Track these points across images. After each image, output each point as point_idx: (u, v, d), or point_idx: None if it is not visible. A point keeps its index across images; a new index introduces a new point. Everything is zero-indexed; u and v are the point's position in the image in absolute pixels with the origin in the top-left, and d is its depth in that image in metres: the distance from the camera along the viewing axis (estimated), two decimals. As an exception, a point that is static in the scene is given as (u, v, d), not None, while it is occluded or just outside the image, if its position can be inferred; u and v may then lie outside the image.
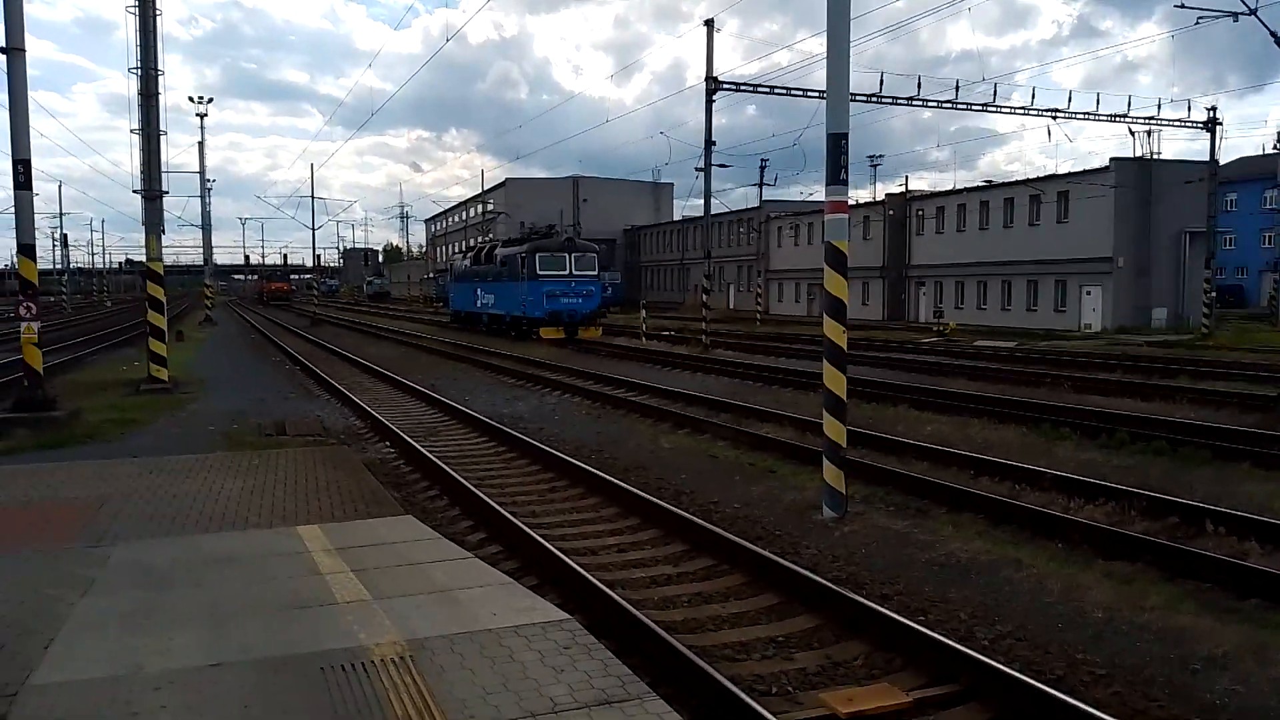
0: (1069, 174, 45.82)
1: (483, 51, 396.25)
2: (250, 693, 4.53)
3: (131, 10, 19.65)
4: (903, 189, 60.21)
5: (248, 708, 4.37)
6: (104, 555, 7.07)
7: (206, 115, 54.38)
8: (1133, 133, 38.12)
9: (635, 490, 9.87)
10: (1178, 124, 38.35)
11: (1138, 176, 42.55)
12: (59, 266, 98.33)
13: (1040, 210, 46.55)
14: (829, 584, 6.80)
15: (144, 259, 20.68)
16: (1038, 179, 47.68)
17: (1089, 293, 43.93)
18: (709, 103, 31.06)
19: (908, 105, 33.68)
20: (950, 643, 5.69)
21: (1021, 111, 35.65)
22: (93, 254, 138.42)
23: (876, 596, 6.82)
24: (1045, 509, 9.14)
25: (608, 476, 10.57)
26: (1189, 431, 13.17)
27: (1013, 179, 50.61)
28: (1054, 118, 35.21)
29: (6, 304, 71.98)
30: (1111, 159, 43.59)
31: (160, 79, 20.03)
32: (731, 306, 67.89)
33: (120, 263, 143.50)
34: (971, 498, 9.63)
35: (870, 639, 6.08)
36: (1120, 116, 36.89)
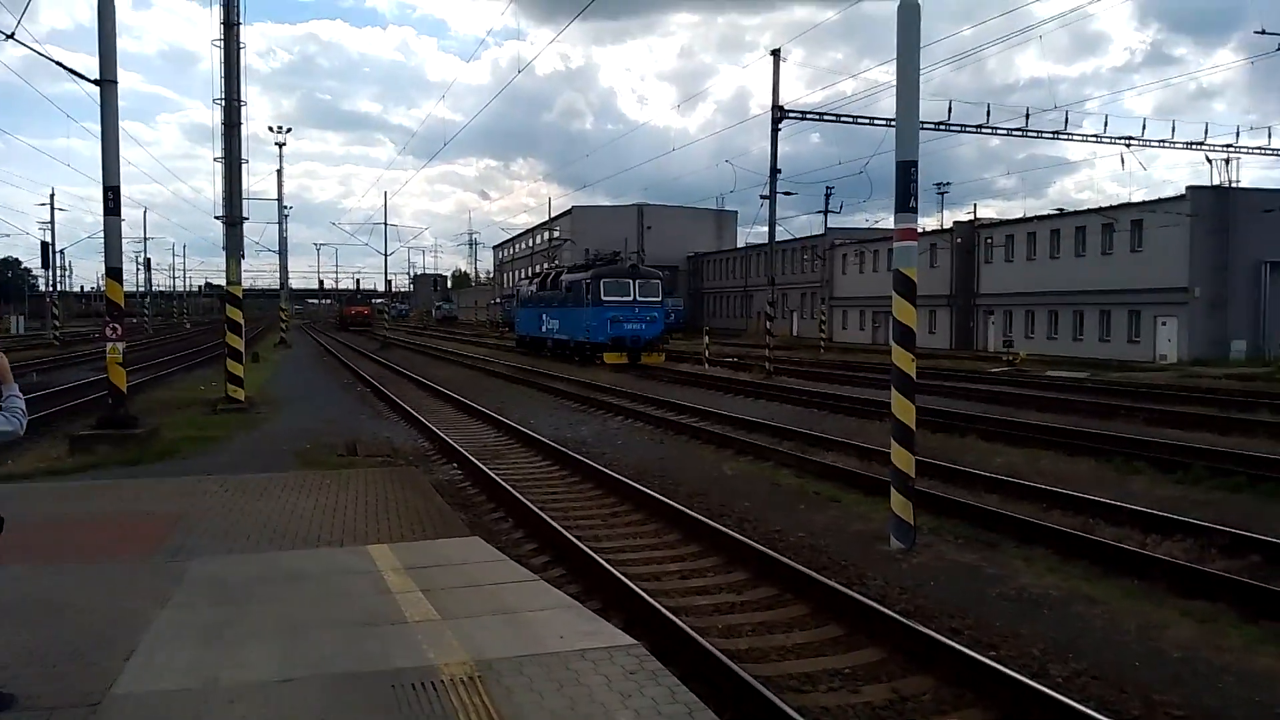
0: (1143, 202, 44.85)
1: (550, 82, 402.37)
2: (322, 708, 4.62)
3: (217, 44, 20.42)
4: (970, 217, 59.46)
5: (320, 723, 4.45)
6: (181, 569, 7.28)
7: (285, 144, 55.87)
8: (1209, 160, 37.24)
9: (698, 516, 9.85)
10: (1257, 151, 37.31)
11: (1214, 205, 41.45)
12: (142, 289, 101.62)
13: (1114, 239, 45.57)
14: (897, 616, 6.70)
15: (223, 283, 21.33)
16: (1111, 207, 46.74)
17: (1164, 323, 42.79)
18: (774, 131, 31.10)
19: (976, 133, 33.37)
20: (1023, 679, 5.56)
21: (1094, 139, 35.10)
22: (174, 277, 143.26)
23: (946, 630, 6.69)
24: (1120, 544, 8.90)
25: (670, 502, 10.56)
26: (1270, 466, 12.72)
27: (1084, 207, 49.71)
28: (1127, 145, 34.58)
29: (93, 325, 74.61)
30: (1188, 187, 42.59)
31: (243, 109, 20.74)
32: (795, 333, 67.51)
33: (200, 286, 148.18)
34: (1043, 531, 9.42)
35: (940, 673, 5.97)
36: (1196, 144, 36.05)
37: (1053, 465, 13.66)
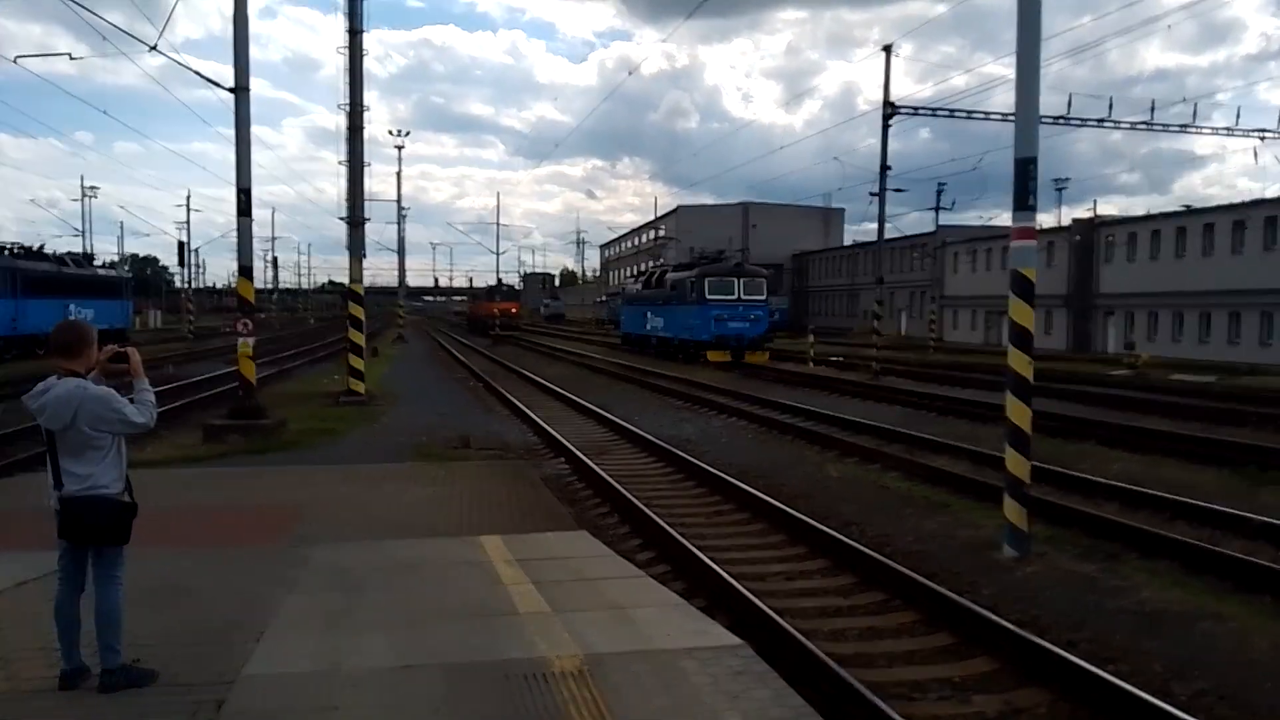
0: (1278, 199, 42.40)
1: (655, 82, 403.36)
2: (439, 695, 4.80)
3: (341, 51, 21.19)
4: (1090, 213, 57.28)
5: (437, 710, 4.63)
6: (304, 556, 7.63)
7: (404, 147, 57.54)
8: (1355, 153, 34.94)
9: (803, 517, 9.79)
10: None
11: (1359, 200, 38.94)
12: (270, 286, 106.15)
13: (1245, 236, 43.23)
14: (1010, 626, 6.55)
15: (344, 280, 22.15)
16: (1243, 204, 44.37)
17: (1300, 326, 40.41)
18: (885, 127, 30.54)
19: (1098, 126, 32.13)
20: (1144, 696, 5.36)
21: (1224, 132, 33.31)
22: (299, 275, 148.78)
23: (1062, 642, 6.50)
24: (1251, 558, 8.48)
25: (775, 502, 10.52)
26: None
27: (1213, 203, 47.33)
28: (1261, 138, 32.78)
29: (225, 319, 78.27)
30: (1330, 181, 40.09)
31: (365, 114, 21.49)
32: (903, 333, 66.14)
33: (323, 283, 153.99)
34: (1166, 542, 9.04)
35: (1055, 687, 5.82)
36: (1340, 135, 33.88)
37: (1176, 474, 13.08)
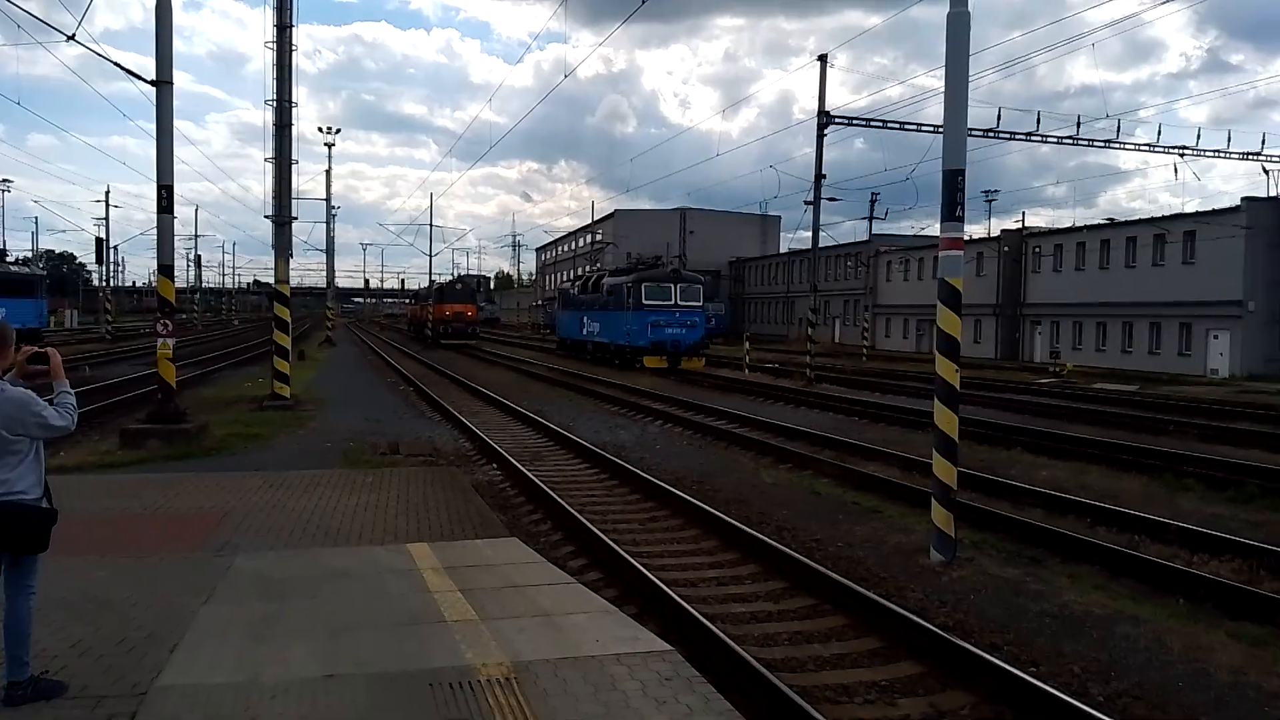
0: (1197, 213, 43.95)
1: (593, 85, 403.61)
2: (362, 705, 4.68)
3: (270, 46, 20.77)
4: (1019, 225, 58.69)
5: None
6: (226, 564, 7.41)
7: (335, 145, 56.61)
8: (1267, 171, 36.34)
9: (736, 523, 9.82)
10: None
11: (1272, 217, 40.55)
12: (192, 286, 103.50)
13: (1165, 250, 44.73)
14: (936, 630, 6.63)
15: (271, 280, 21.65)
16: (1164, 218, 45.90)
17: (1216, 337, 41.91)
18: (820, 137, 30.95)
19: (1026, 140, 32.92)
20: (1064, 697, 5.47)
21: (1146, 148, 34.45)
22: (223, 275, 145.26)
23: (986, 645, 6.61)
24: (1168, 562, 8.73)
25: (709, 508, 10.54)
26: (1328, 487, 12.40)
27: (1136, 217, 48.88)
28: (1181, 155, 33.94)
29: (144, 320, 76.13)
30: (1243, 198, 41.67)
31: (294, 110, 21.06)
32: (837, 340, 67.04)
33: (248, 283, 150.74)
34: (1089, 547, 9.26)
35: (978, 689, 5.90)
36: (1253, 154, 35.29)
37: (1100, 480, 13.43)
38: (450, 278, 73.77)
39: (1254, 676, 6.22)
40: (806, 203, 33.52)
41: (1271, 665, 6.41)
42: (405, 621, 6.01)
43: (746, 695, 5.60)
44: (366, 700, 4.74)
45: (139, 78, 16.53)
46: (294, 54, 20.86)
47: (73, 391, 4.79)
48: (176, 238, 16.38)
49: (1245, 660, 6.50)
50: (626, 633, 5.86)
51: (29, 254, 77.07)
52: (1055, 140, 33.16)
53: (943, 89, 9.37)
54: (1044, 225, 59.90)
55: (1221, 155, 34.55)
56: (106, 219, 69.50)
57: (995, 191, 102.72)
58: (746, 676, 5.83)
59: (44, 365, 4.78)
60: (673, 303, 36.04)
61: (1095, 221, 52.61)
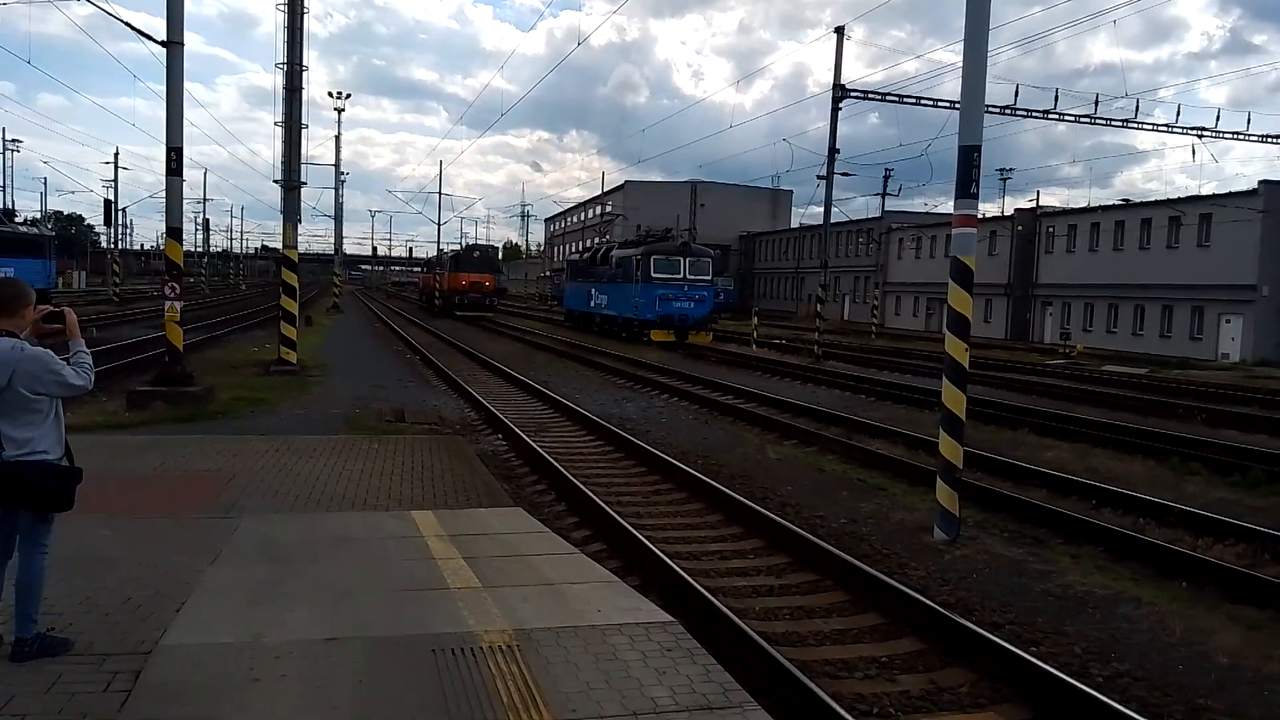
0: (1213, 195, 43.60)
1: (605, 54, 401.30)
2: (363, 668, 4.71)
3: (281, 8, 20.61)
4: (1033, 204, 58.30)
5: (361, 683, 4.54)
6: (231, 526, 7.44)
7: (344, 110, 56.22)
8: (1286, 154, 36.01)
9: (740, 498, 9.83)
10: (1338, 147, 36.01)
11: (1289, 201, 40.20)
12: (200, 249, 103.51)
13: (1180, 232, 44.43)
14: (937, 607, 6.64)
15: (278, 246, 21.62)
16: (1178, 200, 45.55)
17: (1228, 321, 41.70)
18: (834, 111, 30.68)
19: (1043, 119, 32.63)
20: (1063, 676, 5.48)
21: (1164, 129, 34.14)
22: (230, 239, 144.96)
23: (987, 624, 6.62)
24: (1171, 545, 8.72)
25: (713, 482, 10.55)
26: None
27: (1151, 199, 48.52)
28: (1199, 136, 33.61)
29: (152, 283, 76.25)
30: (1260, 182, 41.27)
31: (304, 74, 20.94)
32: (846, 318, 66.90)
33: (256, 248, 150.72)
34: (1092, 529, 9.26)
35: (978, 667, 5.92)
36: (1273, 137, 34.96)
37: (1105, 463, 13.40)
38: (467, 244, 70.25)
39: (1253, 661, 6.23)
40: (819, 178, 33.28)
41: (1270, 650, 6.41)
42: (408, 587, 6.03)
43: (747, 668, 5.62)
44: (367, 663, 4.77)
45: (149, 38, 16.46)
46: (305, 17, 20.72)
47: (89, 351, 4.79)
48: (185, 201, 16.38)
49: (1244, 644, 6.50)
50: (629, 603, 5.88)
51: (37, 214, 77.01)
52: (1073, 119, 32.84)
53: (960, 64, 9.26)
54: (1058, 205, 59.55)
55: (1240, 137, 34.20)
56: (115, 180, 69.19)
57: (1010, 170, 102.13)
58: (747, 649, 5.85)
59: (60, 325, 4.79)
60: (681, 276, 35.94)
61: (1110, 202, 52.19)
